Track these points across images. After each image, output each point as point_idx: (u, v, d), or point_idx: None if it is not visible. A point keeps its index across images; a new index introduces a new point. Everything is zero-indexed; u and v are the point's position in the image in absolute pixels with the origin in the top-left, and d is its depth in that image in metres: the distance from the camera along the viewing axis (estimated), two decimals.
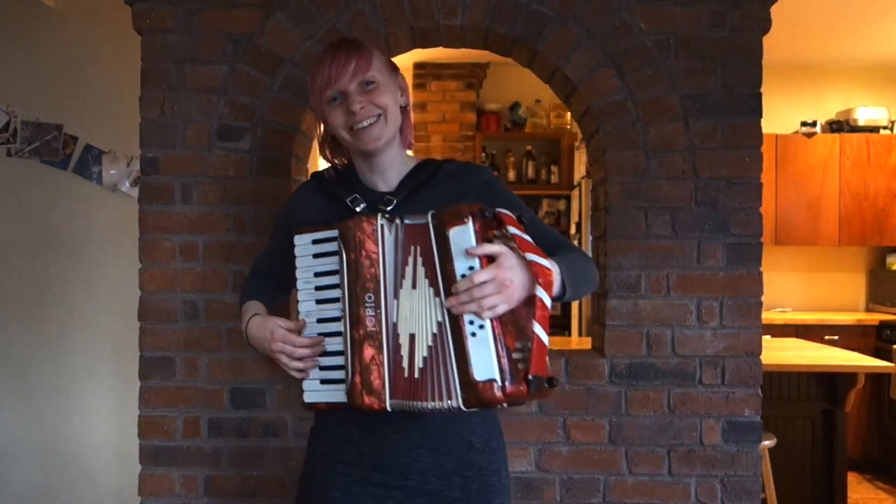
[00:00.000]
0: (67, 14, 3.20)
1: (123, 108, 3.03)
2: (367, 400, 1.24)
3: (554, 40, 1.98)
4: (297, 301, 1.36)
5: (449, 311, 1.18)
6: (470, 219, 1.17)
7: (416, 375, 1.21)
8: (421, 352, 1.21)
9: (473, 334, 1.16)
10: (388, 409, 1.24)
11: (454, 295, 1.16)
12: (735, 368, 1.97)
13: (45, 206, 3.19)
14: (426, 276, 1.21)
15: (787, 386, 3.28)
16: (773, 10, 1.99)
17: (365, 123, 1.33)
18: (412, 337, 1.23)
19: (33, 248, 3.19)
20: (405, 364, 1.23)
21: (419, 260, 1.22)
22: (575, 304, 4.80)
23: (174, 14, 2.00)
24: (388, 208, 1.34)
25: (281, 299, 1.59)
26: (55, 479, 3.20)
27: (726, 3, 1.97)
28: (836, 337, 4.62)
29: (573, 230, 5.10)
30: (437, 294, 1.20)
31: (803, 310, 5.16)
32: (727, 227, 1.98)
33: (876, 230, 4.93)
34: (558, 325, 5.20)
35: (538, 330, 1.16)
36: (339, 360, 1.31)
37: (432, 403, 1.20)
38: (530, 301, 1.17)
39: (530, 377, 1.15)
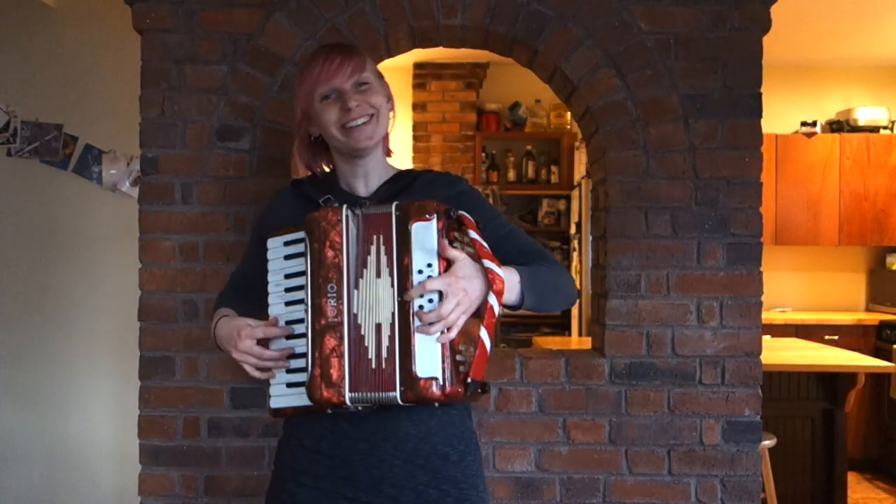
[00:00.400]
0: (67, 14, 3.20)
1: (123, 108, 3.03)
2: (325, 393, 1.21)
3: (554, 40, 1.98)
4: (268, 305, 1.34)
5: (399, 304, 1.18)
6: (434, 216, 1.19)
7: (384, 366, 1.20)
8: (382, 342, 1.21)
9: (422, 331, 1.18)
10: (347, 402, 1.21)
11: (410, 290, 1.18)
12: (735, 368, 1.97)
13: (45, 206, 3.19)
14: (387, 266, 1.22)
15: (787, 386, 3.28)
16: (773, 10, 1.99)
17: (359, 121, 1.33)
18: (378, 327, 1.21)
19: (33, 248, 3.19)
20: (371, 355, 1.21)
21: (382, 249, 1.23)
22: (575, 304, 4.80)
23: (174, 14, 2.00)
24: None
25: (254, 314, 1.46)
26: (55, 478, 3.20)
27: (726, 3, 1.97)
28: (836, 337, 4.62)
29: (573, 230, 5.11)
30: (392, 285, 1.20)
31: (803, 310, 5.16)
32: (727, 227, 1.98)
33: (876, 230, 4.93)
34: (558, 325, 5.20)
35: (484, 336, 1.19)
36: (302, 363, 1.27)
37: (383, 394, 1.20)
38: (481, 307, 1.20)
39: (469, 380, 1.18)
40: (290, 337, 1.30)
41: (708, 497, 1.97)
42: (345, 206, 1.26)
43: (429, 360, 1.17)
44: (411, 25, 1.99)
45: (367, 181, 1.41)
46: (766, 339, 3.44)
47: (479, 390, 1.21)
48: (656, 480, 1.97)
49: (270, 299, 1.34)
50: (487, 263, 1.20)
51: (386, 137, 1.45)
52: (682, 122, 1.98)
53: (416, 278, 1.19)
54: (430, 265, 1.18)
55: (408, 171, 1.47)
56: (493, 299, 1.19)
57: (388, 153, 1.47)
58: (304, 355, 1.26)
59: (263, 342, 1.30)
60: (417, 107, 5.21)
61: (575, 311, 4.80)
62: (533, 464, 1.98)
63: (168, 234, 2.00)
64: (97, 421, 3.20)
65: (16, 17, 3.18)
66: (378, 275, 1.22)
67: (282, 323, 1.31)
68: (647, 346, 1.98)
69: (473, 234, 1.22)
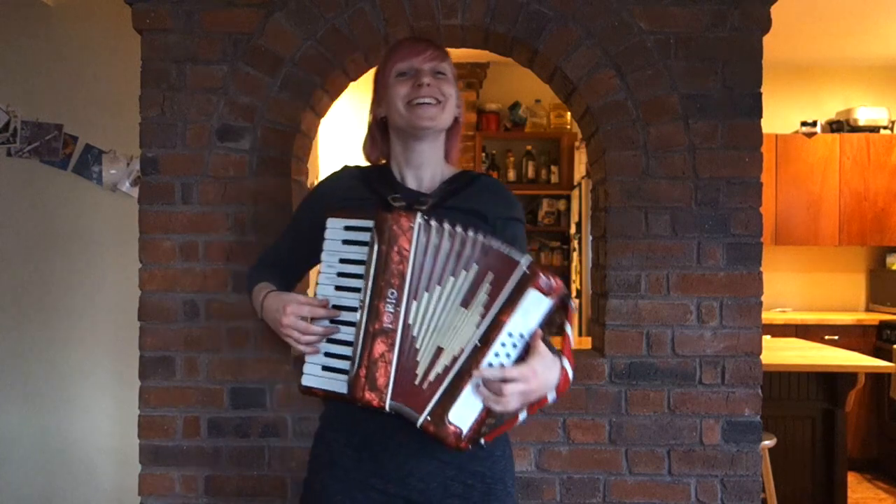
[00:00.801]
0: (67, 14, 3.20)
1: (123, 108, 3.03)
2: (367, 395, 1.23)
3: (554, 40, 1.98)
4: (317, 283, 1.34)
5: (472, 350, 1.19)
6: (554, 297, 1.19)
7: (424, 387, 1.21)
8: (438, 367, 1.21)
9: (478, 385, 1.19)
10: (387, 409, 1.23)
11: (494, 357, 1.18)
12: (735, 368, 1.97)
13: (45, 206, 3.19)
14: (484, 305, 1.20)
15: (787, 386, 3.28)
16: (773, 10, 1.99)
17: (426, 100, 1.36)
18: (439, 351, 1.22)
19: (33, 248, 3.19)
20: (420, 370, 1.22)
21: (486, 287, 1.21)
22: (575, 304, 4.80)
23: (174, 14, 2.00)
24: (424, 208, 1.34)
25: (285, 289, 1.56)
26: (55, 478, 3.20)
27: (726, 3, 1.97)
28: (836, 337, 4.62)
29: (573, 230, 5.11)
30: (478, 326, 1.20)
31: (803, 310, 5.16)
32: (727, 227, 1.98)
33: (876, 230, 4.93)
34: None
35: (522, 417, 1.23)
36: (344, 350, 1.29)
37: (408, 409, 1.23)
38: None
39: (482, 442, 1.22)
40: (334, 321, 1.31)
41: (708, 497, 1.97)
42: (418, 214, 1.25)
43: (465, 413, 1.19)
44: (411, 25, 1.99)
45: (418, 174, 1.42)
46: (766, 339, 3.45)
47: (479, 445, 1.24)
48: (656, 480, 1.98)
49: (321, 279, 1.33)
50: (566, 363, 1.22)
51: (452, 143, 1.47)
52: (682, 122, 1.98)
53: (501, 338, 1.19)
54: (521, 336, 1.19)
55: (466, 173, 1.47)
56: (552, 396, 1.23)
57: (449, 158, 1.47)
58: (346, 343, 1.28)
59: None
60: None
61: None
62: (533, 464, 1.98)
63: (168, 234, 2.00)
64: (97, 421, 3.20)
65: (16, 17, 3.18)
66: (470, 306, 1.21)
67: (329, 305, 1.31)
68: (647, 346, 1.98)
69: (569, 330, 1.23)
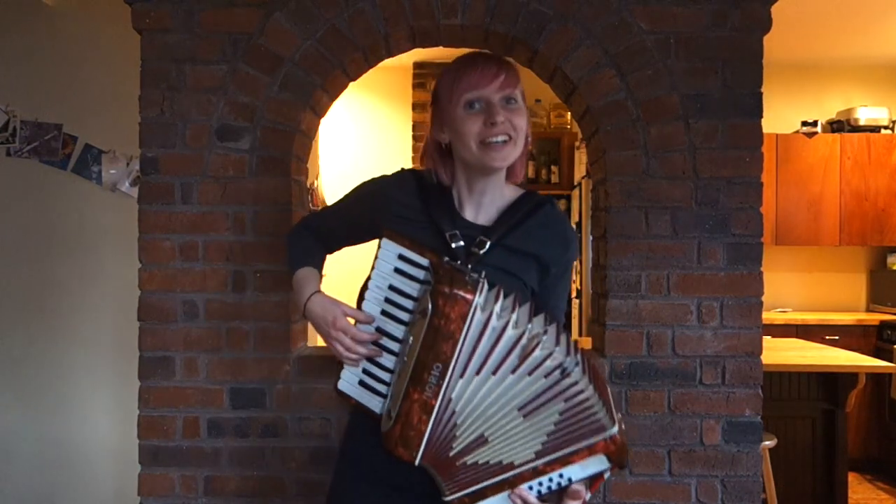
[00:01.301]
0: (67, 13, 3.20)
1: (123, 107, 3.02)
2: (400, 450, 1.26)
3: (554, 40, 1.98)
4: (364, 298, 1.34)
5: (520, 468, 1.21)
6: (609, 466, 1.21)
7: (457, 464, 1.24)
8: (486, 455, 1.23)
9: (509, 494, 1.22)
10: (416, 464, 1.26)
11: (523, 490, 1.21)
12: (735, 368, 1.97)
13: (45, 206, 3.19)
14: (548, 434, 1.20)
15: (788, 386, 3.28)
16: (773, 10, 1.99)
17: (500, 139, 1.29)
18: (482, 439, 1.22)
19: (33, 248, 3.19)
20: (457, 446, 1.23)
21: (555, 416, 1.20)
22: (575, 304, 4.80)
23: (174, 14, 1.99)
24: (481, 252, 1.32)
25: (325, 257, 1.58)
26: (55, 479, 3.20)
27: (726, 3, 1.97)
28: (837, 337, 4.62)
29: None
30: (538, 454, 1.21)
31: (803, 310, 5.16)
32: (727, 227, 1.98)
33: (876, 230, 4.93)
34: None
35: None
36: (382, 374, 1.33)
37: (439, 477, 1.25)
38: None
39: None
40: (376, 343, 1.34)
41: (708, 497, 1.97)
42: (477, 294, 1.20)
43: None
44: (411, 25, 1.99)
45: (480, 204, 1.38)
46: (767, 339, 3.44)
47: None
48: (656, 480, 1.97)
49: (368, 295, 1.34)
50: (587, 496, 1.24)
51: (518, 164, 1.39)
52: (683, 122, 1.98)
53: (554, 475, 1.21)
54: (569, 480, 1.21)
55: (528, 195, 1.41)
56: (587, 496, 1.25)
57: (513, 177, 1.41)
58: (385, 368, 1.33)
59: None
60: (417, 107, 5.20)
61: (575, 311, 4.80)
62: None
63: (168, 234, 2.00)
64: (97, 421, 3.20)
65: (16, 16, 3.19)
66: (522, 409, 1.20)
67: (372, 326, 1.33)
68: (647, 346, 1.97)
69: (607, 475, 1.24)
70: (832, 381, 3.24)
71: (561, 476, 1.21)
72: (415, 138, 5.18)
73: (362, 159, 5.08)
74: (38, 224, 3.19)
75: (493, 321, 1.20)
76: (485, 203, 1.38)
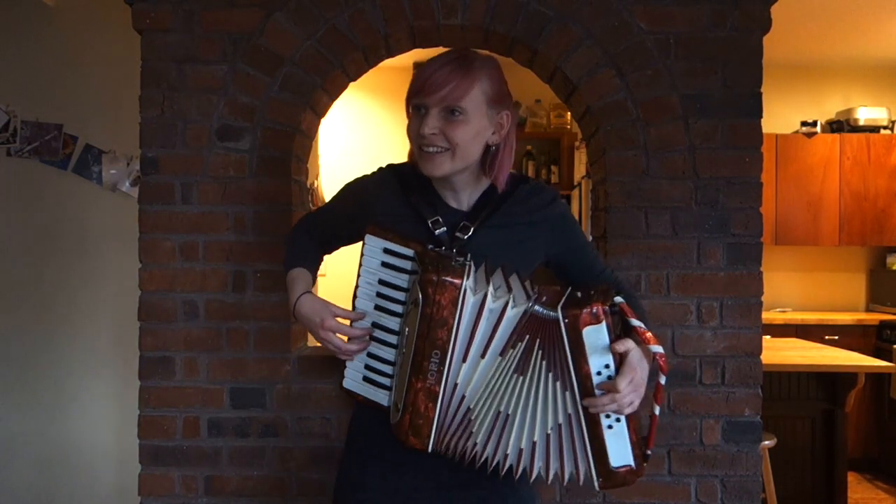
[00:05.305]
0: (67, 14, 3.20)
1: (123, 108, 3.03)
2: (412, 440, 1.28)
3: (554, 40, 1.98)
4: (355, 296, 1.36)
5: (584, 407, 1.21)
6: (604, 318, 1.19)
7: (507, 451, 1.24)
8: (525, 435, 1.23)
9: (610, 426, 1.23)
10: (428, 451, 1.28)
11: (598, 391, 1.19)
12: (735, 368, 1.97)
13: (45, 206, 3.19)
14: (549, 370, 1.21)
15: (787, 386, 3.28)
16: (773, 10, 1.99)
17: (430, 149, 1.29)
18: (503, 416, 1.23)
19: (33, 248, 3.19)
20: (478, 435, 1.24)
21: (538, 353, 1.21)
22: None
23: (174, 14, 2.00)
24: (465, 236, 1.32)
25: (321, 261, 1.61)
26: (55, 478, 3.20)
27: (726, 3, 1.97)
28: (837, 337, 4.63)
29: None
30: (566, 388, 1.21)
31: (803, 310, 5.16)
32: (727, 227, 1.98)
33: (876, 230, 4.93)
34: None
35: (657, 411, 1.27)
36: (384, 368, 1.35)
37: (526, 475, 1.26)
38: (653, 387, 1.26)
39: (647, 453, 1.28)
40: (373, 337, 1.35)
41: (708, 497, 1.97)
42: (465, 278, 1.21)
43: (621, 451, 1.24)
44: (411, 25, 1.99)
45: (456, 196, 1.38)
46: (766, 339, 3.45)
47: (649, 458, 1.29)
48: (656, 480, 1.97)
49: (359, 293, 1.36)
50: (654, 348, 1.22)
51: (497, 166, 1.36)
52: (682, 122, 1.98)
53: (596, 380, 1.20)
54: (606, 366, 1.20)
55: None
56: (663, 379, 1.25)
57: (499, 182, 1.38)
58: (385, 361, 1.35)
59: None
60: None
61: None
62: None
63: (168, 234, 2.00)
64: (97, 421, 3.20)
65: (16, 17, 3.19)
66: (527, 372, 1.21)
67: (368, 321, 1.35)
68: None
69: (635, 322, 1.22)
70: (832, 381, 3.25)
71: (600, 374, 1.20)
72: None
73: (363, 160, 5.08)
74: (38, 224, 3.19)
75: (490, 302, 1.21)
76: (461, 197, 1.39)
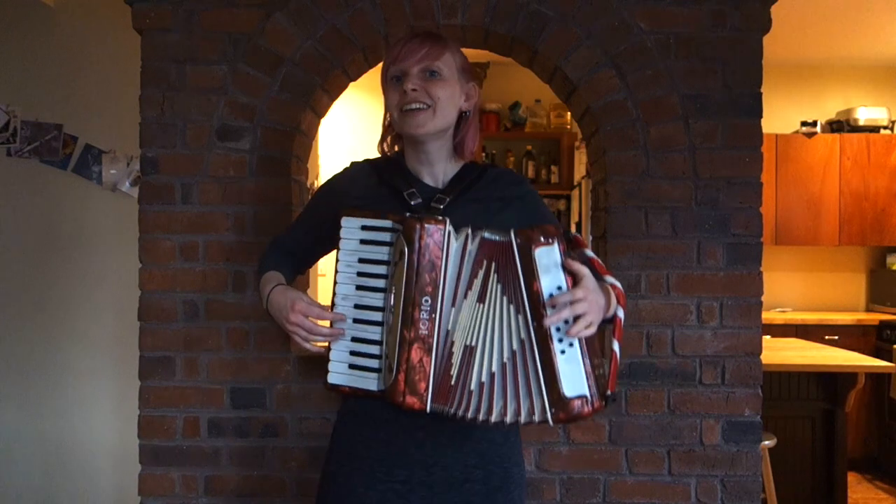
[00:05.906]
0: (67, 14, 3.20)
1: (123, 108, 3.03)
2: (409, 399, 1.25)
3: (554, 40, 1.98)
4: (336, 282, 1.35)
5: (536, 328, 1.19)
6: (555, 240, 1.20)
7: (471, 387, 1.23)
8: (485, 366, 1.22)
9: (563, 352, 1.19)
10: (428, 411, 1.26)
11: (550, 310, 1.18)
12: (735, 368, 1.97)
13: (45, 206, 3.19)
14: (503, 293, 1.22)
15: (787, 386, 3.28)
16: (773, 10, 1.99)
17: (413, 106, 1.33)
18: (469, 349, 1.23)
19: (33, 248, 3.19)
20: (454, 372, 1.24)
21: (494, 276, 1.22)
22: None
23: (174, 14, 2.00)
24: (441, 206, 1.34)
25: (296, 277, 1.59)
26: (55, 478, 3.20)
27: (726, 3, 1.97)
28: (837, 337, 4.62)
29: (573, 230, 5.10)
30: (518, 311, 1.21)
31: (803, 310, 5.16)
32: (727, 227, 1.98)
33: (876, 230, 4.93)
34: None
35: (617, 348, 1.23)
36: (371, 349, 1.31)
37: (487, 416, 1.23)
38: (609, 320, 1.25)
39: (608, 393, 1.22)
40: (357, 320, 1.33)
41: (708, 497, 1.97)
42: (447, 222, 1.25)
43: (575, 379, 1.19)
44: (411, 25, 1.99)
45: (432, 171, 1.41)
46: (766, 339, 3.44)
47: (613, 401, 1.26)
48: (656, 480, 1.97)
49: (339, 278, 1.34)
50: (609, 279, 1.22)
51: (466, 138, 1.43)
52: (682, 122, 1.98)
53: (548, 303, 1.20)
54: (559, 287, 1.19)
55: (472, 165, 1.45)
56: (620, 312, 1.24)
57: (468, 155, 1.44)
58: (372, 342, 1.31)
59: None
60: None
61: None
62: (533, 464, 1.98)
63: (168, 234, 2.00)
64: (97, 421, 3.20)
65: (16, 16, 3.18)
66: (486, 299, 1.22)
67: (350, 304, 1.33)
68: (647, 346, 1.98)
69: (589, 253, 1.23)
70: (832, 381, 3.24)
71: (552, 296, 1.19)
72: None
73: (362, 159, 5.08)
74: (38, 224, 3.19)
75: (470, 244, 1.24)
76: (436, 172, 1.42)
